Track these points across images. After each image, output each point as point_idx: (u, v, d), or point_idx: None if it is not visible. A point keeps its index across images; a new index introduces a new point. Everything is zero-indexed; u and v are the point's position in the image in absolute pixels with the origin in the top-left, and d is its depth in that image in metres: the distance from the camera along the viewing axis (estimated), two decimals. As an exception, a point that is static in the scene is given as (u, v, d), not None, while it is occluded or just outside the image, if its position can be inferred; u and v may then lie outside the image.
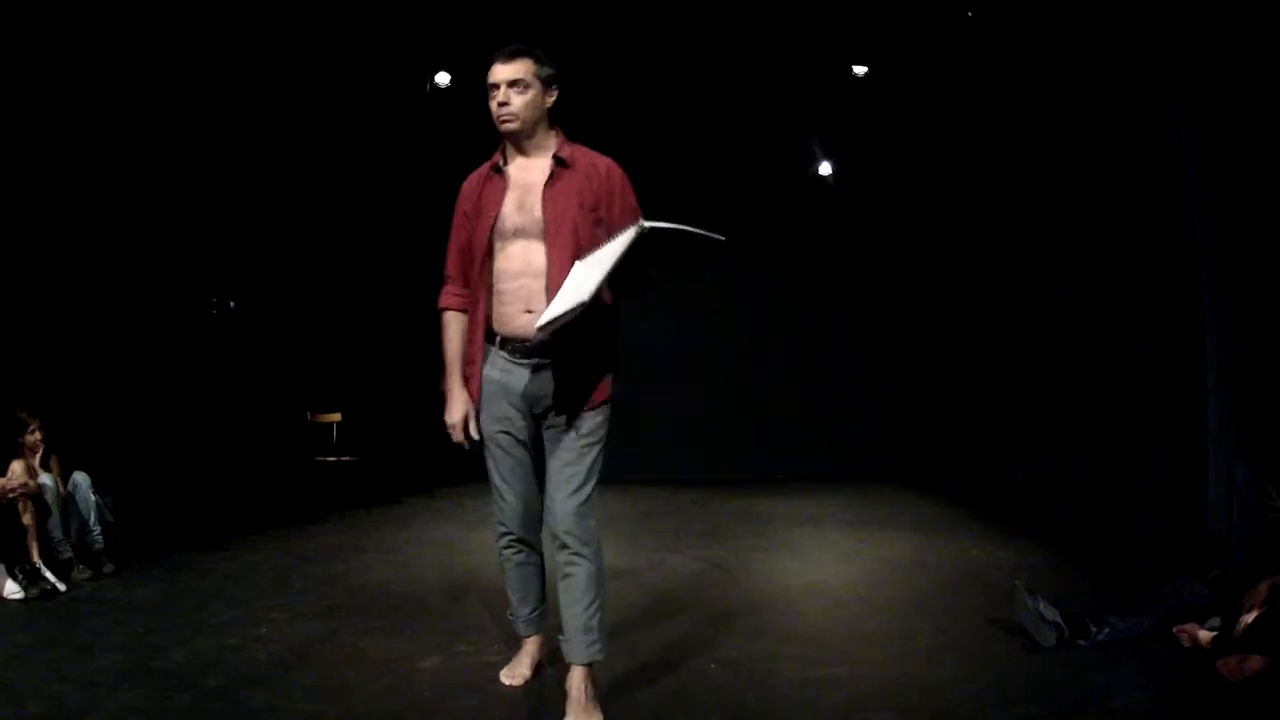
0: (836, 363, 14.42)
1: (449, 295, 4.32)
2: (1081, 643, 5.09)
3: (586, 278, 3.74)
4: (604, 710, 4.14)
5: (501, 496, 4.35)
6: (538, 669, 4.75)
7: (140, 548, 7.58)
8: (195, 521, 8.54)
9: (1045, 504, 8.61)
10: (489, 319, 4.16)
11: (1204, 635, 4.74)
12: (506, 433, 4.21)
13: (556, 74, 4.15)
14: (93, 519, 7.09)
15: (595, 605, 4.14)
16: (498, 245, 4.12)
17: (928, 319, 12.48)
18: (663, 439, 13.79)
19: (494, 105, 4.08)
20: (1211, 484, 6.45)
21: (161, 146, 8.65)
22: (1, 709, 4.18)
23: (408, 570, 7.48)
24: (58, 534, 6.78)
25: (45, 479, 6.83)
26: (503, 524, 4.40)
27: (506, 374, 4.15)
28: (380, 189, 11.99)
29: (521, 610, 4.63)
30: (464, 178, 4.34)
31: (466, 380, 4.25)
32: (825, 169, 13.09)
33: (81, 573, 6.77)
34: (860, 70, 10.22)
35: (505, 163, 4.21)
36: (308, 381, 10.92)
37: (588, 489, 4.13)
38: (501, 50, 4.11)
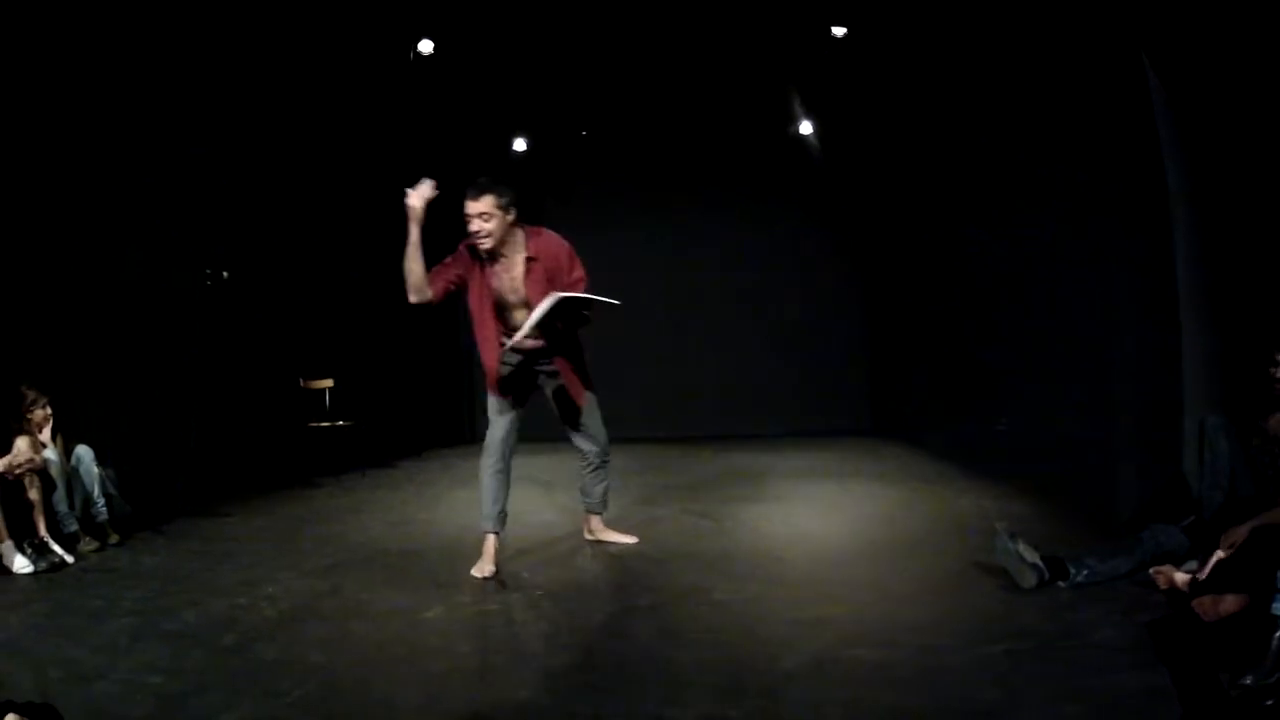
0: (824, 321, 14.56)
1: (482, 326, 6.07)
2: (1060, 584, 5.19)
3: (541, 306, 5.72)
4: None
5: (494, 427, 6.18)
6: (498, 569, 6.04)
7: (143, 518, 7.67)
8: (195, 490, 8.66)
9: (1028, 456, 8.73)
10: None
11: (1180, 577, 4.79)
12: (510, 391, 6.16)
13: (513, 198, 5.84)
14: (97, 491, 7.15)
15: (606, 484, 6.75)
16: (504, 312, 6.03)
17: (913, 276, 12.58)
18: (651, 397, 13.93)
19: (470, 230, 5.79)
20: (1187, 433, 6.57)
21: (154, 120, 8.69)
22: (21, 674, 4.29)
23: (404, 528, 7.70)
24: (63, 507, 6.83)
25: (50, 453, 6.86)
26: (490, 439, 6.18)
27: (508, 356, 6.11)
28: (368, 156, 12.06)
29: (493, 509, 6.09)
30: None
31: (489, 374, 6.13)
32: (806, 128, 13.18)
33: (88, 544, 6.84)
34: (839, 31, 10.28)
35: (491, 259, 5.91)
36: (299, 349, 11.02)
37: (601, 424, 6.54)
38: (470, 187, 5.78)
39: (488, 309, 6.01)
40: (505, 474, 6.13)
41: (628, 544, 6.75)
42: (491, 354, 6.07)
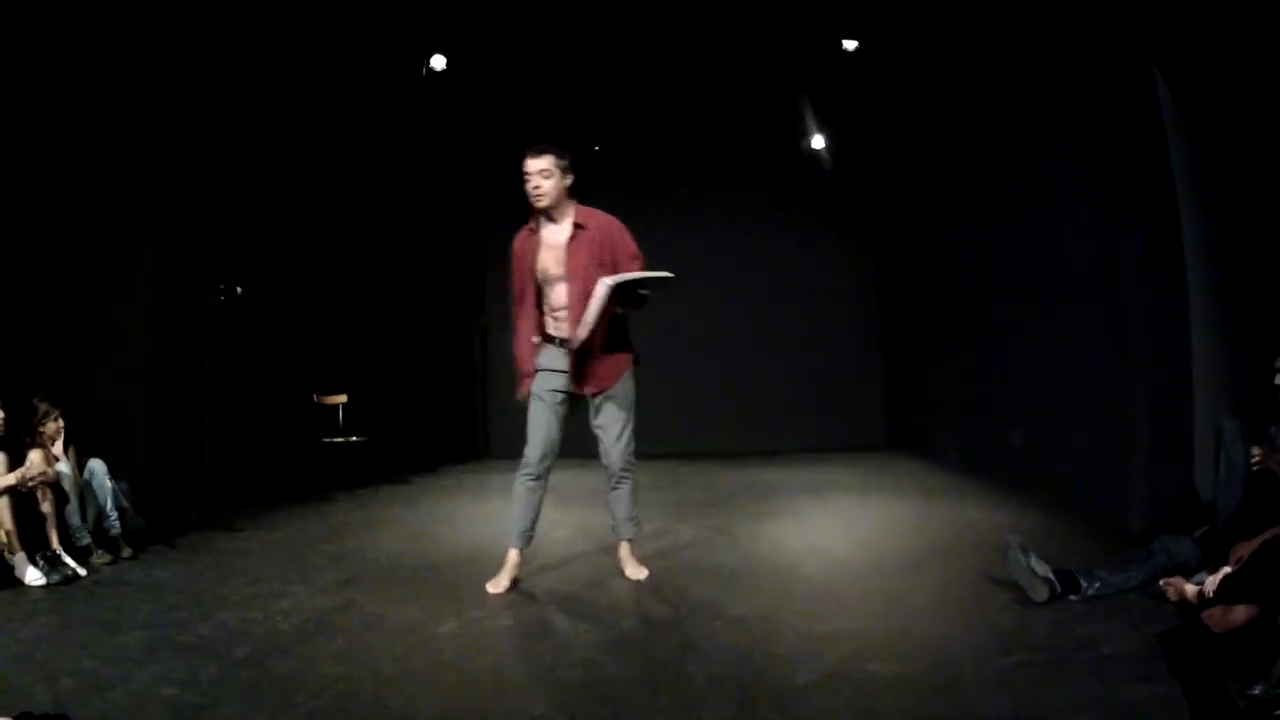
0: (838, 336, 14.58)
1: (520, 315, 6.12)
2: (1073, 597, 5.21)
3: (595, 297, 5.64)
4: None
5: (532, 437, 6.00)
6: (515, 583, 6.04)
7: (156, 532, 7.67)
8: (209, 505, 8.67)
9: (1041, 469, 8.73)
10: (542, 328, 6.05)
11: (1190, 589, 4.82)
12: (552, 390, 5.99)
13: (571, 161, 5.88)
14: (109, 505, 7.14)
15: (634, 504, 6.25)
16: (544, 286, 5.98)
17: (928, 291, 12.58)
18: (665, 412, 13.94)
19: (529, 188, 5.83)
20: (1198, 443, 6.57)
21: (170, 133, 8.74)
22: (35, 686, 4.29)
23: (419, 544, 7.68)
24: (76, 520, 6.84)
25: (63, 467, 6.87)
26: (527, 458, 6.00)
27: (552, 359, 6.00)
28: (380, 172, 12.11)
29: (519, 525, 6.02)
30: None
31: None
32: (818, 143, 13.21)
33: (100, 558, 6.82)
34: (850, 45, 10.30)
35: (539, 227, 5.98)
36: (313, 364, 11.05)
37: (628, 434, 6.10)
38: (531, 148, 5.83)
39: (530, 292, 6.02)
40: (538, 492, 6.04)
41: (635, 576, 6.27)
42: (527, 345, 6.09)
